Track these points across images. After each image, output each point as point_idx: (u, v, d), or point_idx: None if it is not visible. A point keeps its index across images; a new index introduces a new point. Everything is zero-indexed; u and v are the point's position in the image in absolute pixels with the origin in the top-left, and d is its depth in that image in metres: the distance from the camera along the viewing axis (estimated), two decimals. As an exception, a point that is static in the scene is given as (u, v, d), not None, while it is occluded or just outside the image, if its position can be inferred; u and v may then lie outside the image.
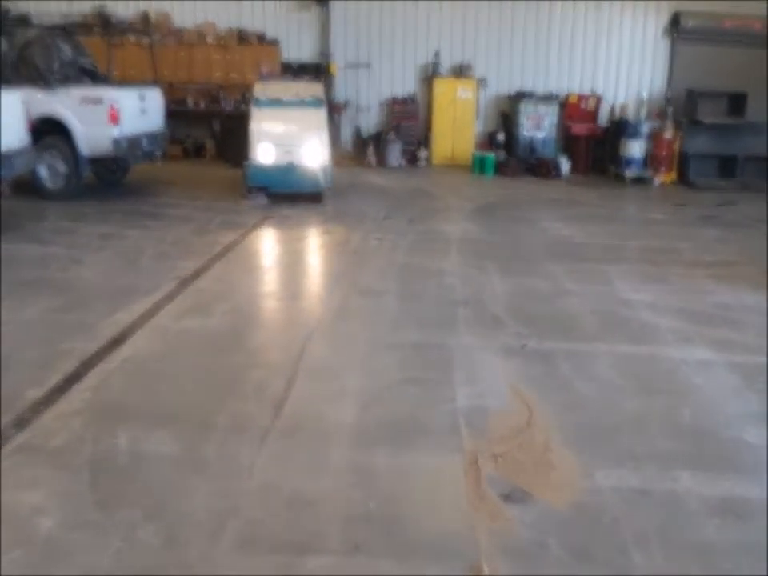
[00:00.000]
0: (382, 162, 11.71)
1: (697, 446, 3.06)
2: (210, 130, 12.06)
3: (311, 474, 2.71)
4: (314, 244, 6.58)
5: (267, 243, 6.53)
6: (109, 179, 9.02)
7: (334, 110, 12.09)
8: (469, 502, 2.55)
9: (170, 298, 4.79)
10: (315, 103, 8.58)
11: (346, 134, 12.41)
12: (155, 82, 9.24)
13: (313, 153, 8.11)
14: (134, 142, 8.09)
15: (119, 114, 7.79)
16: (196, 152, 12.11)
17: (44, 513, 2.40)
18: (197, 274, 5.37)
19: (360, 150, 12.09)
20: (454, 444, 2.98)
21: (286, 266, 5.77)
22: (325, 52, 11.94)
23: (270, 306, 4.82)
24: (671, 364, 3.98)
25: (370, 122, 12.37)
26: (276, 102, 8.33)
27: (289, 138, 8.19)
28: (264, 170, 8.05)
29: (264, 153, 8.04)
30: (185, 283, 5.12)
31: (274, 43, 11.88)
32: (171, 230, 6.88)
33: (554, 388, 3.61)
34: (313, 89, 8.94)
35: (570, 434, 3.11)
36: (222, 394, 3.40)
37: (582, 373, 3.81)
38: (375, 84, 12.12)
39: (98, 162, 8.13)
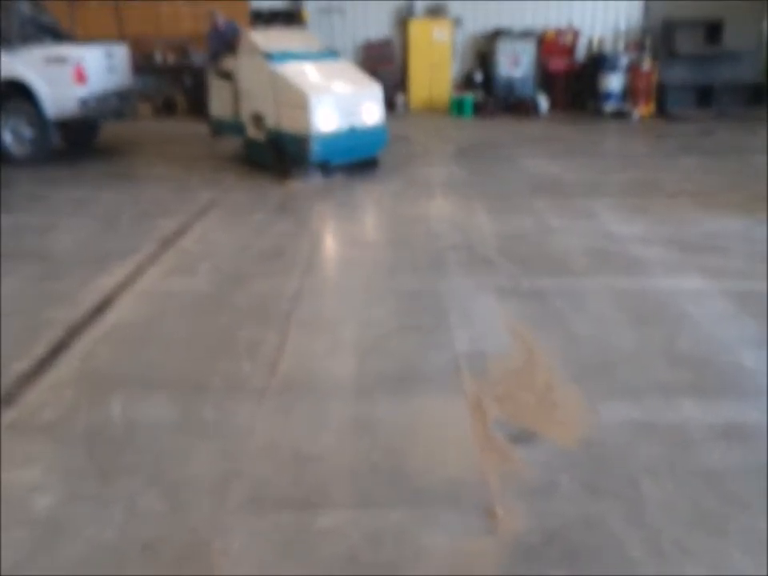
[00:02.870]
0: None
1: (696, 374, 3.07)
2: (180, 85, 11.57)
3: (313, 430, 2.66)
4: (296, 195, 6.39)
5: (249, 198, 6.33)
6: (78, 141, 8.63)
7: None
8: (476, 446, 2.54)
9: (152, 259, 4.64)
10: (332, 54, 7.56)
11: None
12: (121, 37, 8.76)
13: (373, 110, 6.91)
14: (102, 101, 7.70)
15: (85, 72, 7.38)
16: (167, 109, 11.64)
17: (43, 489, 2.32)
18: (178, 234, 5.21)
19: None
20: (456, 389, 2.95)
21: (269, 220, 5.60)
22: (297, -2, 11.40)
23: (256, 262, 4.67)
24: (664, 294, 3.97)
25: (343, 68, 11.92)
26: (293, 56, 6.92)
27: (346, 96, 6.79)
28: (326, 141, 6.52)
29: (325, 119, 6.47)
30: (166, 244, 4.96)
31: (243, -10, 11.28)
32: (148, 191, 6.64)
33: (550, 326, 3.58)
34: (309, 38, 7.92)
35: (571, 371, 3.09)
36: (214, 355, 3.31)
37: (577, 309, 3.79)
38: (349, 28, 11.64)
39: (65, 124, 7.73)
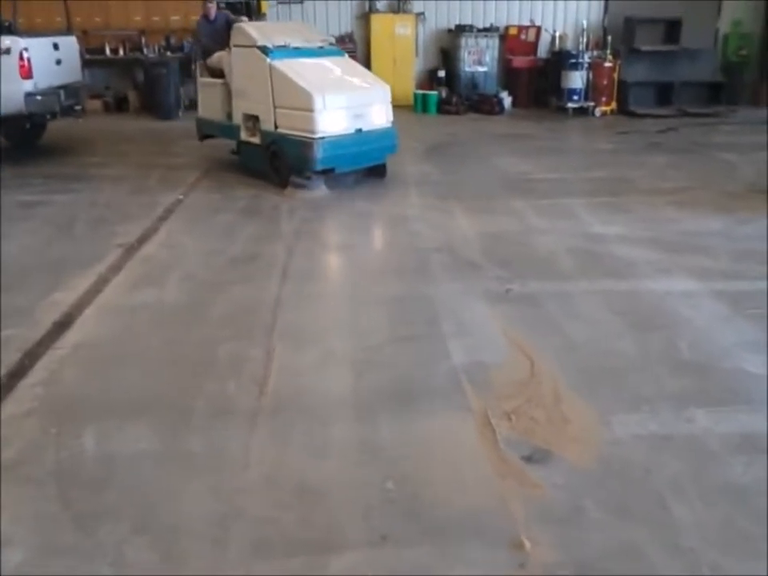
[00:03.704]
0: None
1: (702, 381, 2.98)
2: (132, 80, 11.04)
3: (315, 458, 2.44)
4: (262, 198, 6.09)
5: (213, 200, 6.00)
6: (23, 140, 8.07)
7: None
8: (492, 469, 2.37)
9: (115, 269, 4.30)
10: (336, 50, 6.95)
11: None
12: (68, 29, 8.23)
13: (382, 111, 6.38)
14: (49, 96, 7.19)
15: (31, 65, 6.87)
16: (118, 105, 11.11)
17: (12, 543, 2.02)
18: (142, 240, 4.87)
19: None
20: (460, 405, 2.77)
21: (238, 223, 5.32)
22: (255, -11, 11.03)
23: (229, 269, 4.39)
24: (656, 297, 3.90)
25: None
26: (293, 51, 6.31)
27: (353, 96, 6.19)
28: (332, 145, 5.89)
29: (331, 121, 5.86)
30: (130, 251, 4.62)
31: (197, -20, 10.82)
32: (104, 193, 6.24)
33: (546, 332, 3.45)
34: (309, 31, 7.22)
35: (575, 381, 2.96)
36: (195, 375, 3.04)
37: (571, 314, 3.67)
38: (309, 22, 11.31)
39: (9, 121, 7.18)
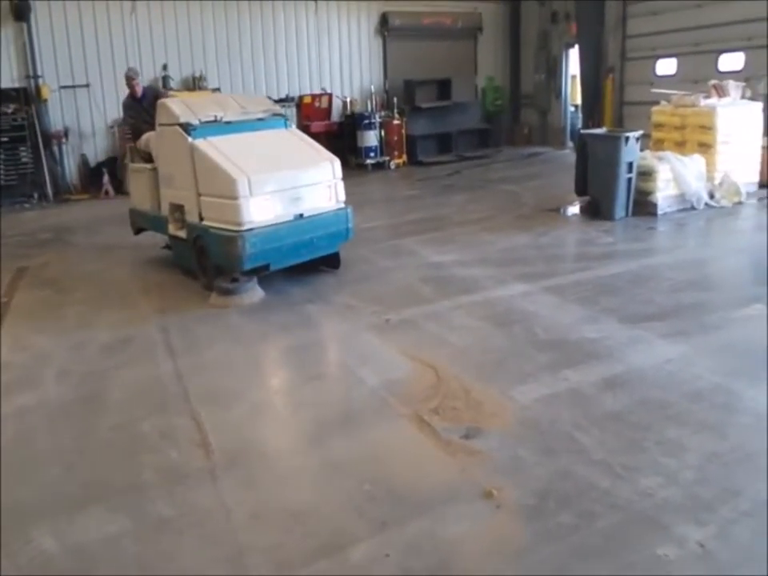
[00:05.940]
0: (121, 189, 10.86)
1: (562, 351, 3.80)
2: None
3: (290, 488, 2.68)
4: (87, 286, 5.87)
5: (45, 295, 5.64)
6: None
7: (52, 139, 10.86)
8: (441, 452, 2.83)
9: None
10: (279, 121, 5.86)
11: (71, 165, 11.27)
12: None
13: (330, 191, 5.46)
14: None
15: None
16: None
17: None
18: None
19: (90, 181, 11.11)
20: (393, 414, 3.21)
21: (82, 310, 5.14)
22: (32, 74, 10.55)
23: (104, 356, 4.23)
24: (503, 301, 4.75)
25: (97, 148, 11.37)
26: (221, 127, 5.37)
27: (289, 177, 5.20)
28: (263, 238, 4.93)
29: (260, 209, 4.92)
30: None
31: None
32: None
33: (435, 345, 4.05)
34: (251, 101, 6.29)
35: (473, 374, 3.58)
36: (128, 454, 3.02)
37: (447, 327, 4.33)
38: (98, 106, 11.12)
39: None
